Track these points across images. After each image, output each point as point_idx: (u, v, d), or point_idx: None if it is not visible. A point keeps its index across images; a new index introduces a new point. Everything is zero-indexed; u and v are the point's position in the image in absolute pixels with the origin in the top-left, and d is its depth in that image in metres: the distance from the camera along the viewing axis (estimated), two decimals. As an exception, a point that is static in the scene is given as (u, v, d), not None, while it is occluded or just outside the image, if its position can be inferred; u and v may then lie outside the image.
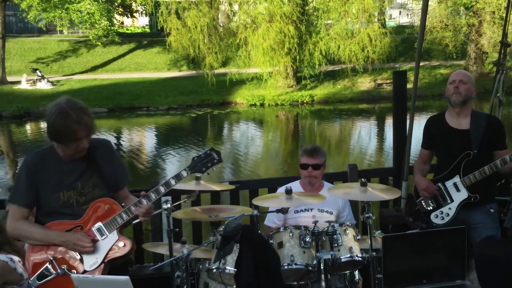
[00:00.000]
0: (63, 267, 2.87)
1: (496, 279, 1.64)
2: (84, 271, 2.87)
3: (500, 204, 4.01)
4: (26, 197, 2.91)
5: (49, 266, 2.88)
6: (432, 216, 3.83)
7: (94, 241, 2.89)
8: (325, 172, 4.13)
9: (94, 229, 2.91)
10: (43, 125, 17.82)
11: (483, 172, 3.63)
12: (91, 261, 2.88)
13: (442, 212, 3.80)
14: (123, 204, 3.01)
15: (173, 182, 2.92)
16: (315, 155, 3.92)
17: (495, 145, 3.74)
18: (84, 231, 2.90)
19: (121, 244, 2.91)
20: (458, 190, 3.75)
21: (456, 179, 3.75)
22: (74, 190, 2.92)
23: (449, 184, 3.78)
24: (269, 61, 21.68)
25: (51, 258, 2.88)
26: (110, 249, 2.90)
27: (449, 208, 3.78)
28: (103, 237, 2.91)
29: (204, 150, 2.99)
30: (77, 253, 2.89)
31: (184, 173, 2.92)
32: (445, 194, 3.80)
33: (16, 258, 3.21)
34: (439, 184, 3.82)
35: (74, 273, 2.85)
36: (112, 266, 2.94)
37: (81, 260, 2.89)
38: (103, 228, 2.91)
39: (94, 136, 2.95)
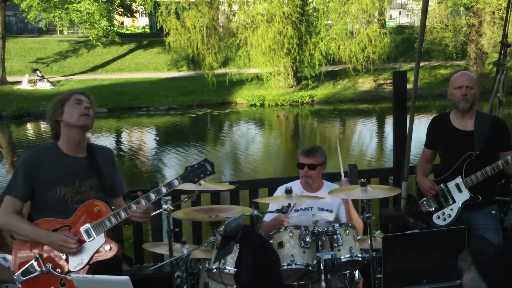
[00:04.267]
0: (48, 266, 2.87)
1: (498, 272, 1.65)
2: (69, 271, 2.88)
3: (500, 204, 4.01)
4: (21, 190, 2.92)
5: (35, 263, 2.88)
6: (434, 217, 3.83)
7: (81, 242, 2.89)
8: (325, 172, 4.13)
9: (82, 230, 2.91)
10: (43, 125, 17.84)
11: (485, 172, 3.61)
12: (76, 262, 2.89)
13: (444, 213, 3.79)
14: (113, 207, 3.02)
15: (164, 190, 2.94)
16: (311, 155, 3.91)
17: (499, 146, 3.71)
18: (72, 231, 2.90)
19: (107, 247, 2.91)
20: (460, 191, 3.74)
21: (458, 180, 3.73)
22: (71, 187, 2.93)
23: (451, 185, 3.77)
24: (268, 62, 21.70)
25: (37, 256, 2.89)
26: (96, 252, 2.90)
27: (451, 209, 3.77)
28: (90, 239, 2.90)
29: (198, 160, 2.99)
30: (63, 253, 2.90)
31: (176, 182, 2.94)
32: (447, 195, 3.79)
33: (9, 257, 3.22)
34: (441, 185, 3.81)
35: (58, 272, 2.87)
36: (103, 265, 2.93)
37: (67, 260, 2.89)
38: (91, 230, 2.91)
39: (96, 143, 3.05)
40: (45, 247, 2.90)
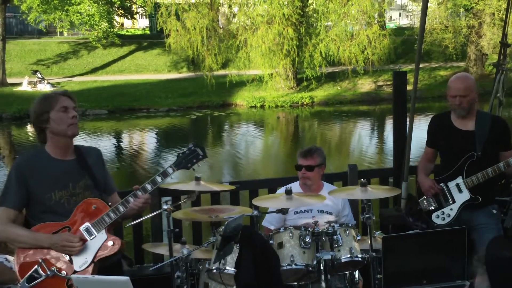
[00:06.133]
0: (53, 269, 2.85)
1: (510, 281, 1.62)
2: (74, 272, 2.86)
3: (500, 204, 4.01)
4: (15, 199, 2.89)
5: (38, 269, 2.86)
6: (433, 216, 3.83)
7: (83, 241, 2.87)
8: (325, 172, 4.12)
9: (82, 229, 2.89)
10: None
11: (486, 174, 3.61)
12: (81, 262, 2.87)
13: (443, 213, 3.79)
14: (109, 203, 3.02)
15: (159, 179, 2.93)
16: (309, 157, 3.91)
17: (500, 146, 3.70)
18: (72, 232, 2.89)
19: (110, 243, 2.90)
20: (460, 191, 3.74)
21: (459, 180, 3.73)
22: (65, 190, 2.92)
23: (451, 184, 3.77)
24: (268, 63, 21.71)
25: (40, 260, 2.87)
26: (100, 249, 2.89)
27: (451, 209, 3.77)
28: (92, 237, 2.89)
29: (188, 146, 2.99)
30: (66, 255, 2.88)
31: (170, 170, 2.94)
32: (447, 195, 3.78)
33: (11, 258, 3.20)
34: (442, 184, 3.81)
35: (64, 274, 2.84)
36: (104, 265, 2.93)
37: (71, 261, 2.88)
38: (91, 228, 2.89)
39: (84, 144, 3.04)
40: (47, 251, 2.88)
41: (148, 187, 2.94)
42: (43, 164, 2.93)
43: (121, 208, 2.91)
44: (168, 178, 3.00)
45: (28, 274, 2.86)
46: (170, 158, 13.54)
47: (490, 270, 1.56)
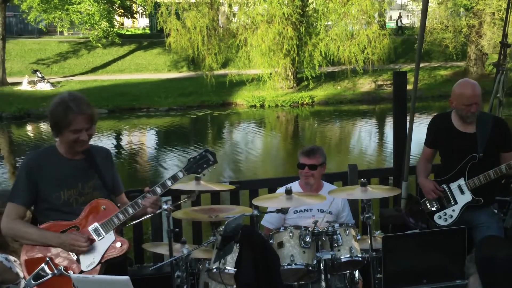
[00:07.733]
0: (60, 268, 2.86)
1: (499, 280, 1.62)
2: (81, 272, 2.87)
3: (500, 204, 4.01)
4: (24, 196, 2.90)
5: (45, 267, 2.87)
6: (436, 217, 3.83)
7: (91, 242, 2.89)
8: (325, 172, 4.13)
9: (90, 229, 2.91)
10: (43, 126, 17.86)
11: (487, 176, 3.61)
12: (88, 262, 2.88)
13: (445, 214, 3.79)
14: (118, 204, 3.03)
15: (169, 183, 2.96)
16: (312, 156, 3.92)
17: (500, 147, 3.70)
18: (80, 232, 2.90)
19: (118, 244, 2.91)
20: (462, 192, 3.74)
21: (461, 181, 3.73)
22: (74, 189, 2.93)
23: (453, 186, 3.77)
24: (267, 62, 21.71)
25: (47, 259, 2.88)
26: (107, 250, 2.90)
27: (453, 210, 3.77)
28: (100, 237, 2.91)
29: (199, 151, 3.05)
30: (74, 254, 2.89)
31: (180, 174, 2.97)
32: (449, 196, 3.79)
33: (11, 258, 3.21)
34: (444, 186, 3.81)
35: (71, 273, 2.84)
36: (109, 264, 2.93)
37: (78, 261, 2.89)
38: (100, 228, 2.91)
39: (94, 143, 3.03)
40: (54, 250, 2.89)
41: (158, 190, 2.97)
42: (53, 163, 2.94)
43: (130, 210, 2.93)
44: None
45: (35, 272, 2.87)
46: (170, 157, 13.55)
47: (481, 270, 1.57)
